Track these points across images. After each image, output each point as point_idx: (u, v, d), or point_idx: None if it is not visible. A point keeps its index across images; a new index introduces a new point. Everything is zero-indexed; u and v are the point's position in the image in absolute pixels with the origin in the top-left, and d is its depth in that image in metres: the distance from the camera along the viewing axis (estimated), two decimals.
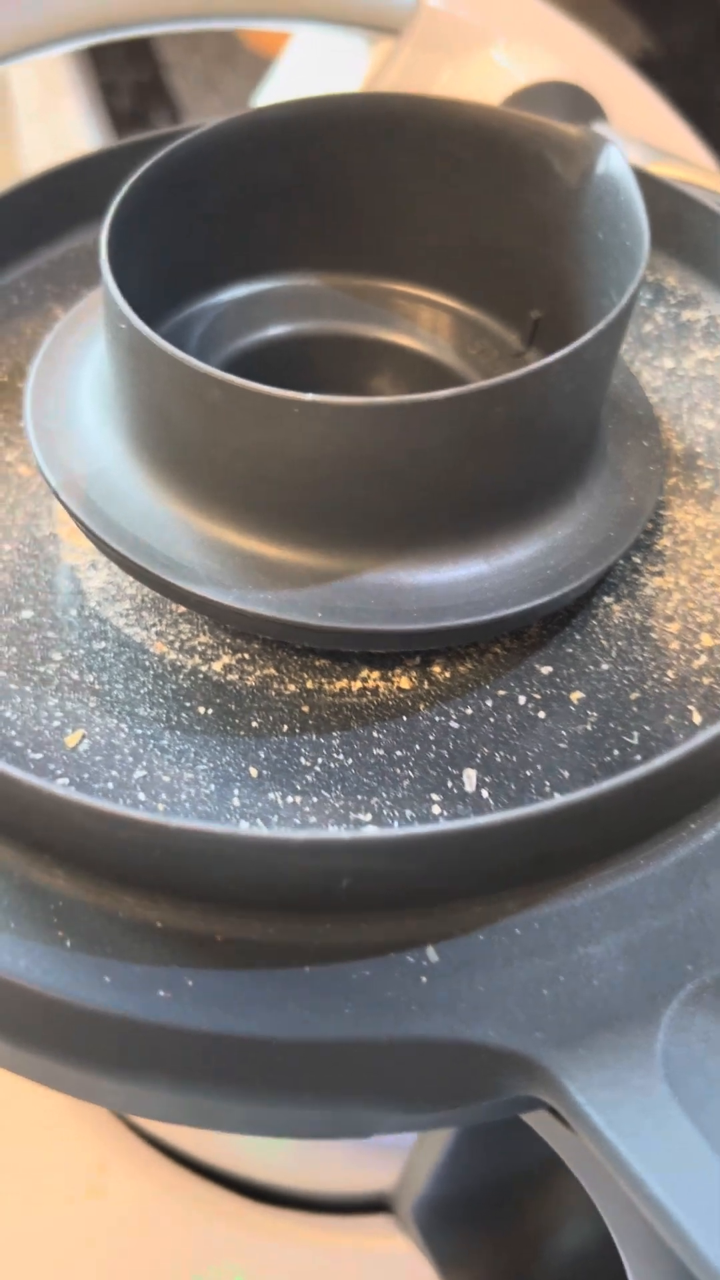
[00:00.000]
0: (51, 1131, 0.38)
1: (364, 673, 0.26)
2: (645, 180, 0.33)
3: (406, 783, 0.24)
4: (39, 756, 0.24)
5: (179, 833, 0.20)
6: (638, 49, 1.27)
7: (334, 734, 0.25)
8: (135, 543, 0.24)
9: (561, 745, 0.24)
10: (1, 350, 0.32)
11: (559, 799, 0.21)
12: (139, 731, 0.25)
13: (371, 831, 0.21)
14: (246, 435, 0.23)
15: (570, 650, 0.26)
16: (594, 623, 0.26)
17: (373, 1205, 0.43)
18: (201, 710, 0.25)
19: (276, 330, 0.30)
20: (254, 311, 0.30)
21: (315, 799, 0.23)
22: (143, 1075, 0.21)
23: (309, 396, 0.22)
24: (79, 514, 0.25)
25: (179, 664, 0.26)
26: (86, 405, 0.27)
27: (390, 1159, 0.39)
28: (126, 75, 1.16)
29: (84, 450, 0.26)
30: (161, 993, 0.21)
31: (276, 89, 0.46)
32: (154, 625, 0.27)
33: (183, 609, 0.27)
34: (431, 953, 0.21)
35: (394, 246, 0.30)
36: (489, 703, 0.25)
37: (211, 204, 0.28)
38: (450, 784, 0.24)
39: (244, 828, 0.20)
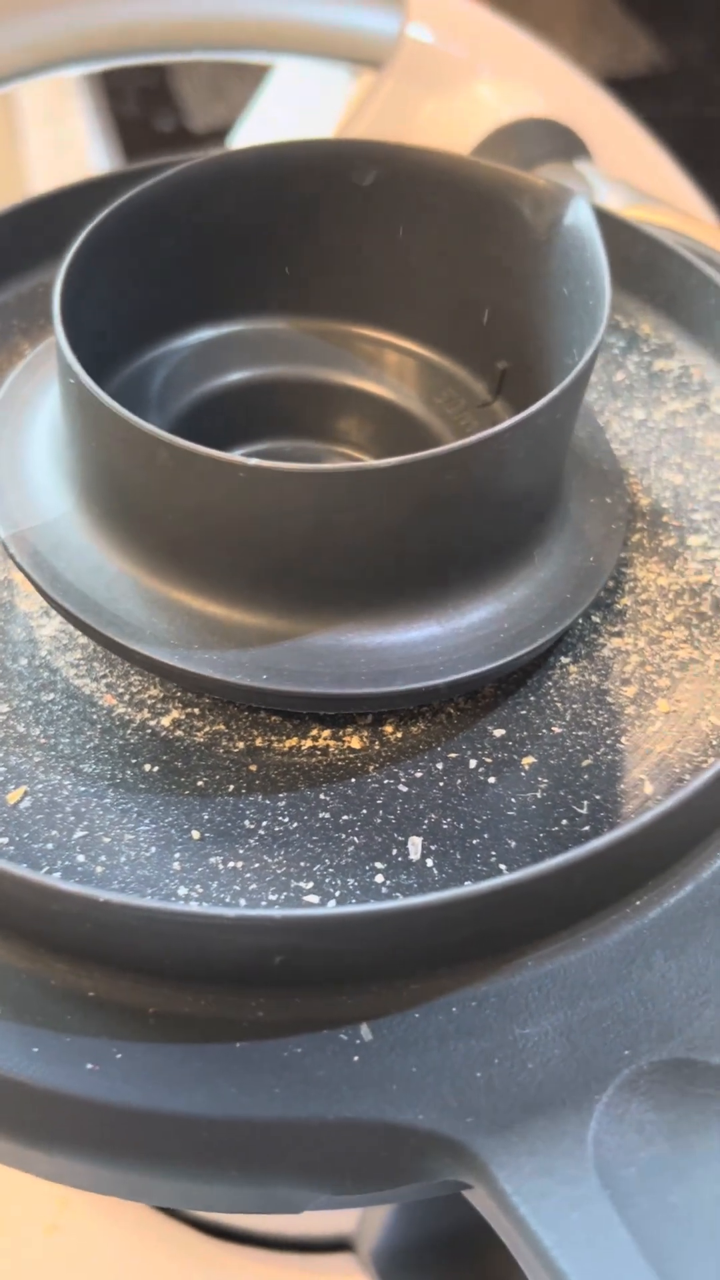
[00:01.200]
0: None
1: (314, 731, 0.25)
2: (621, 227, 0.32)
3: (351, 849, 0.23)
4: None
5: (109, 907, 0.20)
6: (647, 63, 1.26)
7: (280, 795, 0.24)
8: (82, 599, 0.24)
9: (510, 813, 0.24)
10: None
11: (501, 879, 0.20)
12: (82, 789, 0.24)
13: (304, 910, 0.20)
14: (194, 497, 0.23)
15: (524, 712, 0.25)
16: (549, 684, 0.26)
17: (334, 1244, 0.42)
18: (147, 767, 0.25)
19: (241, 374, 0.30)
20: (219, 355, 0.30)
21: (257, 864, 0.23)
22: (70, 1148, 0.20)
23: (253, 461, 0.22)
24: (26, 567, 0.24)
25: (127, 718, 0.26)
26: (41, 454, 0.26)
27: None
28: (133, 81, 1.16)
29: (35, 501, 0.25)
30: (89, 1065, 0.20)
31: (258, 120, 0.45)
32: (104, 676, 0.26)
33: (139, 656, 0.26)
34: (365, 1031, 0.21)
35: (361, 291, 0.30)
36: (439, 765, 0.25)
37: (177, 247, 0.28)
38: (395, 851, 0.23)
39: (172, 904, 0.20)
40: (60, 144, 1.18)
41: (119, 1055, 0.20)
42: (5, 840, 0.23)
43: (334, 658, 0.24)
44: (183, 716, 0.26)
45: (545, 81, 0.39)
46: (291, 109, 0.44)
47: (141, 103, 1.16)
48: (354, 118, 0.39)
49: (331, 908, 0.21)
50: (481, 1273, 0.39)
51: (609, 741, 0.25)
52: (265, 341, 0.30)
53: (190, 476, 0.22)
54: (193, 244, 0.28)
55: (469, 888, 0.20)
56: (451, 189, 0.28)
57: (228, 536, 0.23)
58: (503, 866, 0.23)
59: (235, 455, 0.22)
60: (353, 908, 0.20)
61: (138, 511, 0.24)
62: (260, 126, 0.45)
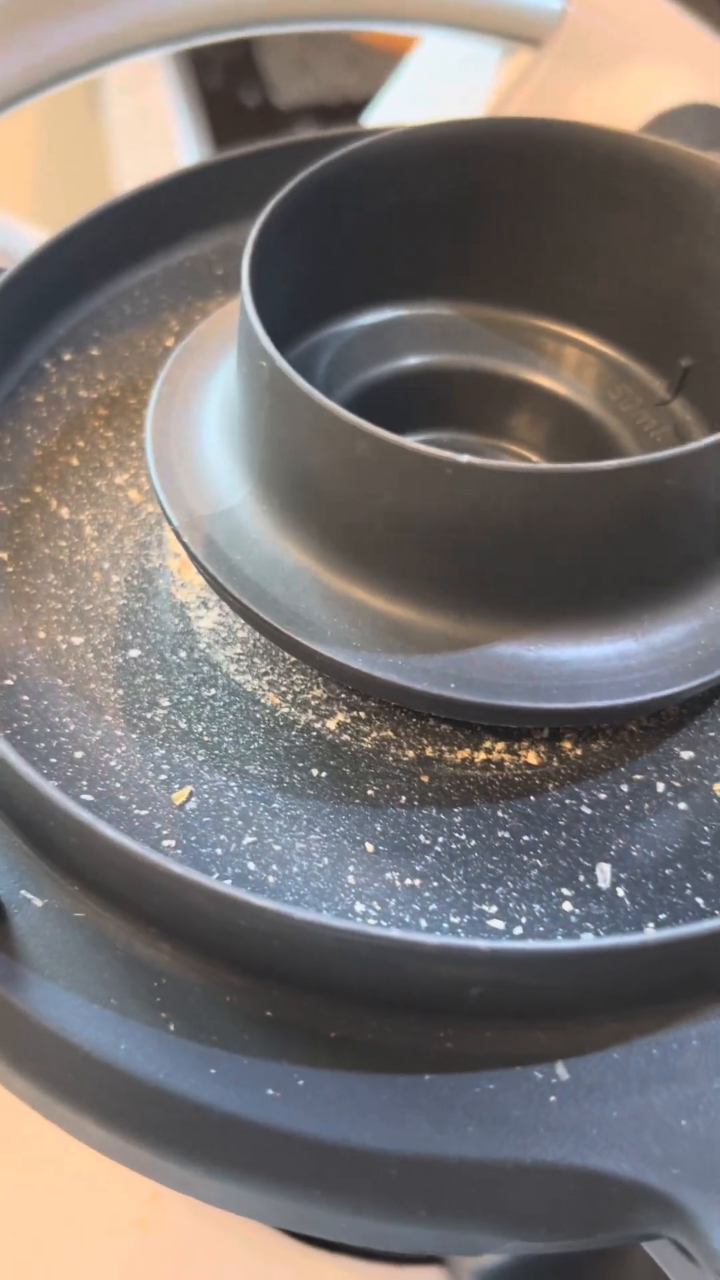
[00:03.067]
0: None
1: (487, 743, 0.24)
2: None
3: (535, 873, 0.22)
4: (144, 813, 0.23)
5: (305, 926, 0.19)
6: None
7: (455, 810, 0.23)
8: (260, 594, 0.23)
9: (704, 842, 0.22)
10: (113, 363, 0.31)
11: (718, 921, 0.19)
12: (249, 791, 0.23)
13: (512, 944, 0.19)
14: (392, 493, 0.21)
15: (714, 735, 0.24)
16: None
17: (427, 1257, 0.41)
18: (315, 772, 0.24)
19: (409, 361, 0.28)
20: (386, 340, 0.28)
21: (435, 883, 0.22)
22: (244, 1176, 0.19)
23: (464, 458, 0.20)
24: (202, 558, 0.23)
25: (291, 718, 0.24)
26: (211, 437, 0.25)
27: None
28: (220, 53, 1.14)
29: (207, 487, 0.24)
30: (270, 1091, 0.19)
31: (395, 100, 0.44)
32: (266, 674, 0.25)
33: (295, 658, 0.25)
34: (561, 1070, 0.20)
35: (539, 280, 0.28)
36: (624, 788, 0.23)
37: (356, 224, 0.27)
38: (582, 878, 0.22)
39: (371, 929, 0.19)
40: (144, 115, 1.17)
41: (301, 1082, 0.19)
42: (173, 843, 0.22)
43: (522, 668, 0.22)
44: (348, 720, 0.24)
45: (708, 66, 0.37)
46: (432, 89, 0.42)
47: (227, 75, 1.15)
48: (506, 98, 0.38)
49: (540, 943, 0.20)
50: None
51: None
52: (434, 328, 0.29)
53: (391, 471, 0.21)
54: (372, 222, 0.27)
55: (689, 929, 0.19)
56: (648, 176, 0.26)
57: (423, 535, 0.22)
58: (700, 900, 0.22)
59: (443, 452, 0.20)
60: (565, 944, 0.19)
61: (325, 503, 0.23)
62: (398, 107, 0.44)
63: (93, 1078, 0.20)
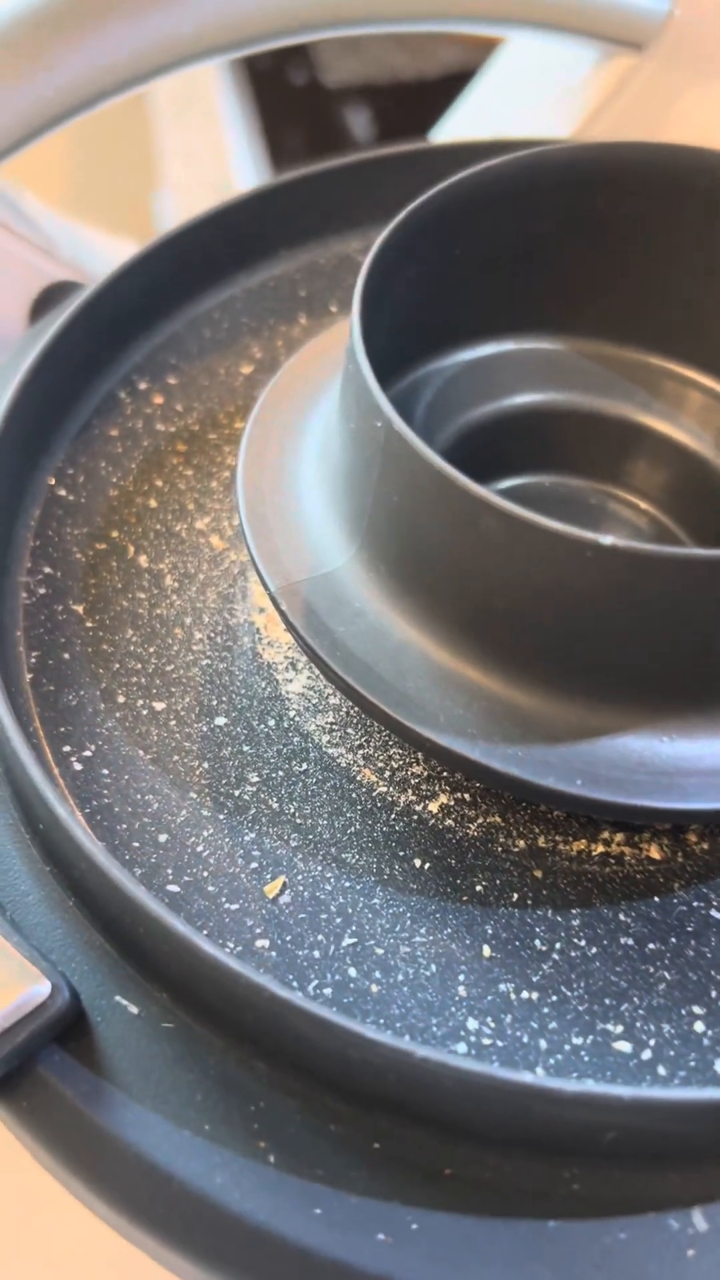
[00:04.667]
0: None
1: (605, 833, 0.22)
2: None
3: (663, 986, 0.20)
4: (235, 908, 0.21)
5: (426, 1066, 0.17)
6: None
7: (573, 911, 0.21)
8: (365, 671, 0.21)
9: None
10: (192, 393, 0.29)
11: None
12: (346, 884, 0.21)
13: (656, 1092, 0.17)
14: (520, 571, 0.19)
15: None
16: None
17: None
18: (417, 863, 0.22)
19: (517, 399, 0.26)
20: (493, 376, 0.26)
21: (555, 997, 0.20)
22: None
23: (608, 540, 0.18)
24: (300, 628, 0.21)
25: (390, 799, 0.23)
26: (310, 492, 0.23)
27: None
28: None
29: (306, 549, 0.22)
30: (380, 1236, 0.18)
31: (475, 107, 0.41)
32: (361, 746, 0.23)
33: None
34: (699, 1218, 0.18)
35: (660, 316, 0.26)
36: None
37: (469, 253, 0.25)
38: (715, 993, 0.20)
39: (504, 1072, 0.17)
40: (189, 93, 1.14)
41: (414, 1226, 0.18)
42: (266, 943, 0.20)
43: (658, 764, 0.20)
44: (451, 803, 0.23)
45: None
46: (515, 94, 0.40)
47: (275, 54, 1.12)
48: (603, 105, 0.35)
49: (685, 1091, 0.18)
50: None
51: None
52: (542, 364, 0.27)
53: (520, 549, 0.19)
54: (486, 250, 0.25)
55: None
56: None
57: (551, 616, 0.20)
58: None
59: (584, 532, 0.18)
60: (711, 1093, 0.17)
61: (442, 576, 0.21)
62: (478, 114, 0.41)
63: (185, 1211, 0.18)
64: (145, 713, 0.23)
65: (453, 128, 0.42)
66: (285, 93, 1.12)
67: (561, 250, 0.25)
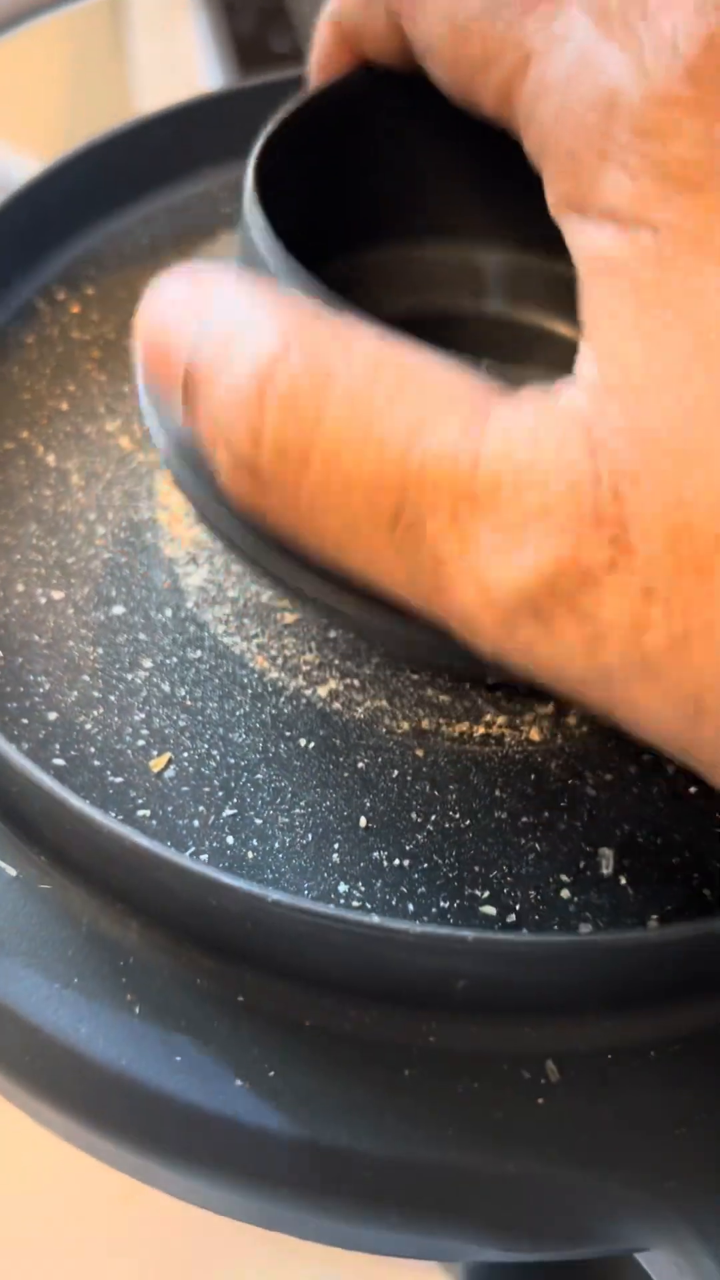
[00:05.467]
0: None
1: (488, 716, 0.23)
2: None
3: (532, 856, 0.21)
4: (119, 780, 0.21)
5: (278, 909, 0.17)
6: None
7: (450, 787, 0.22)
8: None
9: (716, 830, 0.21)
10: (109, 305, 0.29)
11: None
12: (231, 760, 0.22)
13: (502, 935, 0.18)
14: None
15: None
16: None
17: None
18: (302, 742, 0.22)
19: (401, 304, 0.26)
20: (394, 279, 0.27)
21: (426, 864, 0.20)
22: (207, 1171, 0.18)
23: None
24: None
25: (280, 684, 0.23)
26: None
27: None
28: None
29: None
30: (238, 1082, 0.18)
31: None
32: (256, 636, 0.24)
33: (288, 619, 0.24)
34: (551, 1069, 0.18)
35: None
36: (632, 769, 0.22)
37: (370, 149, 0.25)
38: (583, 864, 0.20)
39: (349, 913, 0.17)
40: (170, 59, 1.14)
41: (271, 1073, 0.18)
42: (148, 813, 0.21)
43: None
44: (340, 688, 0.23)
45: None
46: None
47: (259, 20, 1.12)
48: None
49: (532, 935, 0.19)
50: None
51: None
52: (443, 267, 0.27)
53: None
54: (390, 148, 0.25)
55: (693, 925, 0.17)
56: None
57: None
58: (706, 891, 0.20)
59: None
60: (559, 937, 0.18)
61: None
62: None
63: (51, 1060, 0.18)
64: (43, 601, 0.24)
65: None
66: (267, 60, 1.11)
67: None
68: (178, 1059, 0.18)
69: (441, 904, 0.20)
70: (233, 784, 0.21)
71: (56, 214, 0.29)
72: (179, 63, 1.13)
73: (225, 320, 0.18)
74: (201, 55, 1.13)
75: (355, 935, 0.17)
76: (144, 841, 0.18)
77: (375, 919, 0.17)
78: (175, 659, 0.23)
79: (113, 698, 0.22)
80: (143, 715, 0.22)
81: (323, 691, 0.23)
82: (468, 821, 0.21)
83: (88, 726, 0.22)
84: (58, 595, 0.24)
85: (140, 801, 0.21)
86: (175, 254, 0.30)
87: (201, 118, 0.31)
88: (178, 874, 0.18)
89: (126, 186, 0.30)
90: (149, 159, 0.30)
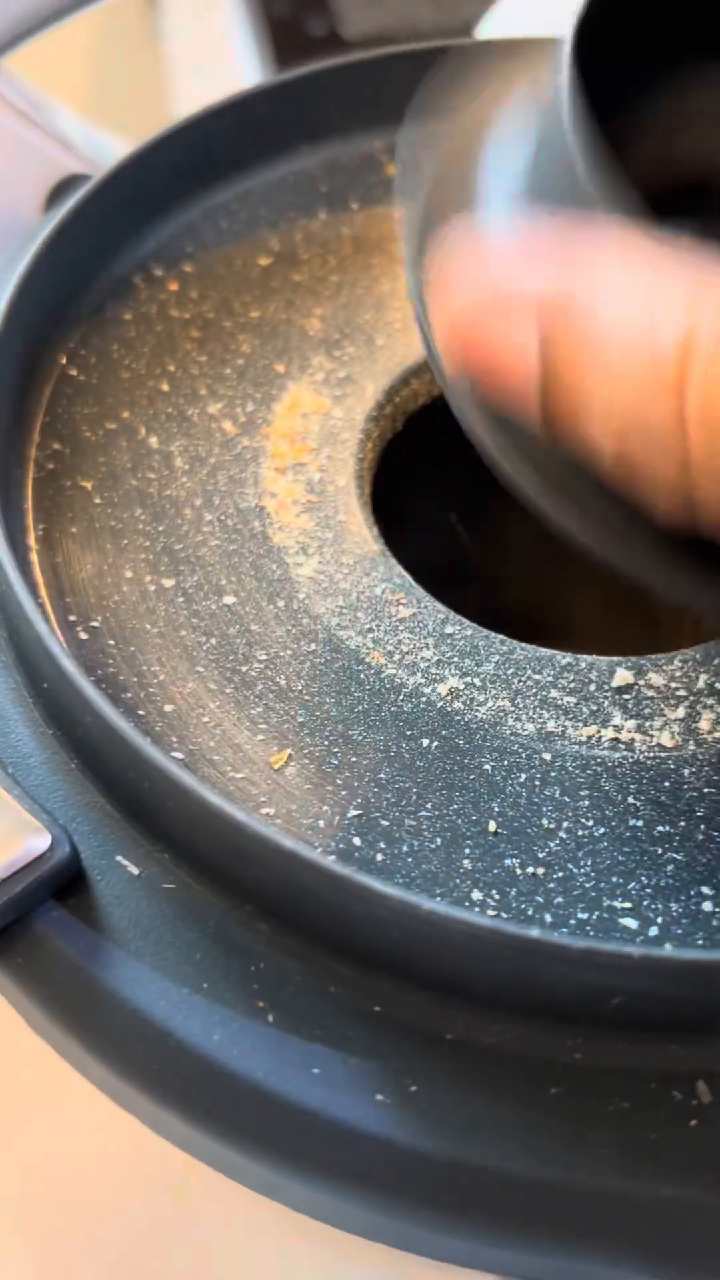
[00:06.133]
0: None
1: (616, 720, 0.22)
2: None
3: (671, 867, 0.20)
4: (240, 776, 0.21)
5: (435, 919, 0.17)
6: None
7: (582, 794, 0.21)
8: None
9: None
10: (208, 281, 0.28)
11: None
12: (352, 759, 0.21)
13: (667, 951, 0.17)
14: None
15: None
16: None
17: None
18: (425, 742, 0.21)
19: None
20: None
21: (561, 873, 0.20)
22: (347, 1189, 0.17)
23: None
24: None
25: (399, 681, 0.22)
26: None
27: None
28: None
29: None
30: (379, 1097, 0.17)
31: (517, 5, 0.41)
32: (370, 630, 0.23)
33: (402, 614, 0.23)
34: (703, 1089, 0.18)
35: None
36: None
37: None
38: None
39: (514, 927, 0.17)
40: (205, 41, 1.13)
41: (413, 1088, 0.17)
42: (271, 811, 0.20)
43: None
44: (460, 686, 0.22)
45: None
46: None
47: (294, 3, 1.11)
48: None
49: (700, 953, 0.18)
50: None
51: None
52: None
53: None
54: None
55: None
56: None
57: None
58: None
59: None
60: None
61: None
62: (512, 17, 0.41)
63: (181, 1069, 0.18)
64: (153, 589, 0.23)
65: (493, 28, 0.41)
66: (303, 43, 1.10)
67: None
68: (315, 1071, 0.17)
69: (580, 915, 0.19)
70: (355, 783, 0.21)
71: (154, 189, 0.28)
72: (213, 44, 1.12)
73: (602, 297, 0.15)
74: (236, 37, 1.12)
75: (515, 949, 0.17)
76: (289, 843, 0.17)
77: (536, 933, 0.17)
78: (289, 652, 0.22)
79: (229, 690, 0.22)
80: (260, 709, 0.21)
81: (442, 689, 0.22)
82: (601, 830, 0.20)
83: (205, 719, 0.21)
84: (168, 583, 0.23)
85: (262, 799, 0.20)
86: (272, 232, 0.29)
87: (298, 95, 0.30)
88: (325, 879, 0.17)
89: (223, 163, 0.29)
90: (246, 136, 0.30)
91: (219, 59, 1.14)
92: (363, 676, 0.22)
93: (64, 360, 0.26)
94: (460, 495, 0.33)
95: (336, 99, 0.30)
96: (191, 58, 1.08)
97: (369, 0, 1.21)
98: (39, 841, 0.18)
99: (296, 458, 0.25)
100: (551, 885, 0.20)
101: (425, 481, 0.29)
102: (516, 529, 0.24)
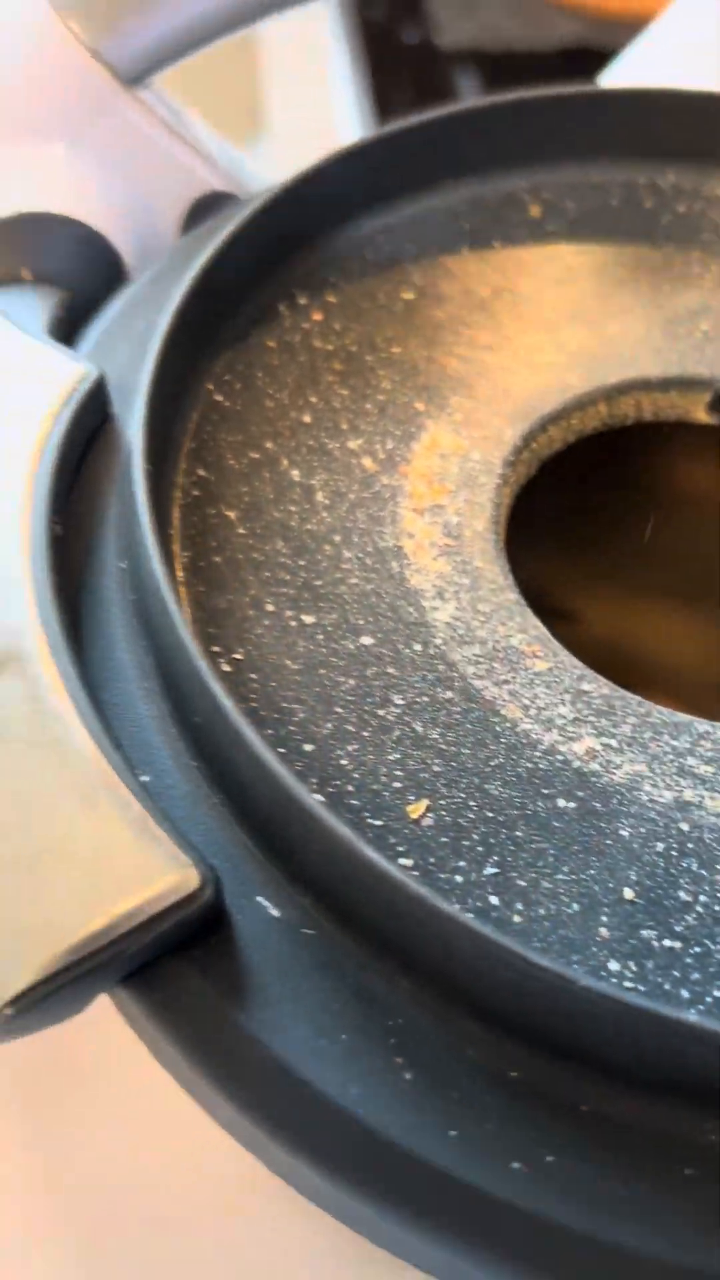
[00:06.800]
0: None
1: None
2: None
3: None
4: (379, 824, 0.21)
5: (585, 995, 0.17)
6: None
7: (718, 867, 0.21)
8: None
9: None
10: (350, 313, 0.28)
11: None
12: (489, 814, 0.21)
13: None
14: None
15: None
16: None
17: None
18: (561, 802, 0.21)
19: None
20: None
21: (698, 949, 0.20)
22: (479, 1253, 0.17)
23: None
24: None
25: (535, 738, 0.22)
26: None
27: None
28: None
29: None
30: (515, 1164, 0.17)
31: (638, 61, 0.40)
32: (506, 682, 0.23)
33: (538, 667, 0.23)
34: None
35: None
36: None
37: None
38: None
39: (667, 1009, 0.17)
40: (300, 43, 1.13)
41: (549, 1159, 0.17)
42: (410, 863, 0.20)
43: None
44: (598, 747, 0.22)
45: None
46: (684, 47, 0.39)
47: (390, 10, 1.10)
48: None
49: None
50: None
51: None
52: None
53: None
54: None
55: None
56: None
57: None
58: None
59: None
60: None
61: None
62: (640, 68, 0.40)
63: (318, 1120, 0.18)
64: (294, 624, 0.23)
65: (621, 75, 0.41)
66: (396, 50, 1.10)
67: None
68: (453, 1134, 0.17)
69: (715, 993, 0.19)
70: (492, 840, 0.21)
71: (303, 218, 0.28)
72: (308, 48, 1.11)
73: None
74: (331, 40, 1.11)
75: (664, 1032, 0.17)
76: (444, 905, 0.17)
77: (695, 1018, 0.16)
78: (426, 698, 0.22)
79: (366, 734, 0.22)
80: (397, 756, 0.22)
81: (579, 749, 0.22)
82: None
83: (344, 762, 0.21)
84: (308, 619, 0.23)
85: (401, 849, 0.20)
86: (415, 266, 0.29)
87: (446, 132, 0.30)
88: (478, 943, 0.17)
89: (369, 195, 0.29)
90: (392, 169, 0.30)
91: (313, 61, 1.13)
92: (499, 729, 0.22)
93: (210, 387, 0.26)
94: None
95: (482, 137, 0.30)
96: (285, 60, 1.08)
97: (462, 12, 1.21)
98: (189, 879, 0.18)
99: (434, 499, 0.25)
100: (689, 960, 0.19)
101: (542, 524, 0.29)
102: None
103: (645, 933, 0.20)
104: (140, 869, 0.18)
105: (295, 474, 0.25)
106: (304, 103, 1.05)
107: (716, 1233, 0.17)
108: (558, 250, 0.30)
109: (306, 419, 0.26)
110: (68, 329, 0.27)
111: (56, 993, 0.18)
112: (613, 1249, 0.17)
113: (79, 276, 0.29)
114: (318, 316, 0.28)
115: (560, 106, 0.30)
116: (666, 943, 0.20)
